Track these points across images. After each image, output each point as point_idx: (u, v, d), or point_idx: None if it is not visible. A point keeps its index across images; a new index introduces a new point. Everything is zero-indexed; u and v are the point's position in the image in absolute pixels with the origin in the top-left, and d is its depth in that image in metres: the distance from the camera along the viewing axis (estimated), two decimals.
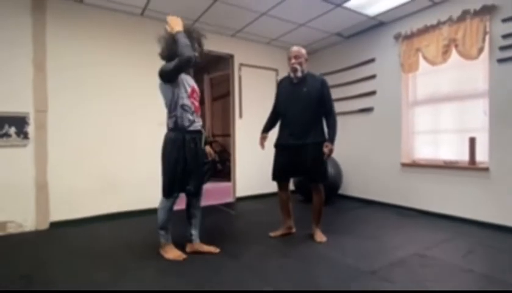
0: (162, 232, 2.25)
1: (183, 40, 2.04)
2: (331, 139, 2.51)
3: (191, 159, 2.17)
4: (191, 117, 2.18)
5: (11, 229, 2.90)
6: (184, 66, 2.06)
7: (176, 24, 2.11)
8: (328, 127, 2.55)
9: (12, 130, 2.92)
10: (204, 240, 2.44)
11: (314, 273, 1.99)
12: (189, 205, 2.35)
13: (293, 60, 2.55)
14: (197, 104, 2.28)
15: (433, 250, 2.37)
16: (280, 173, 2.66)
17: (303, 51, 2.58)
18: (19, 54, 2.95)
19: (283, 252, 2.35)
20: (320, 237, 2.62)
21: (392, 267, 2.07)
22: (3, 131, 2.88)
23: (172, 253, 2.23)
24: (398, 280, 1.88)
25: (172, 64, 2.05)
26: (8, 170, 2.90)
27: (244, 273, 1.99)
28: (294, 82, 2.59)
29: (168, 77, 2.12)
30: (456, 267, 2.06)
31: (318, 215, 2.66)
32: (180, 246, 2.32)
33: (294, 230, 2.81)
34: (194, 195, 2.29)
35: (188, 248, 2.33)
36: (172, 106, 2.16)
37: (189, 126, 2.17)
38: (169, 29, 2.14)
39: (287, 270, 2.05)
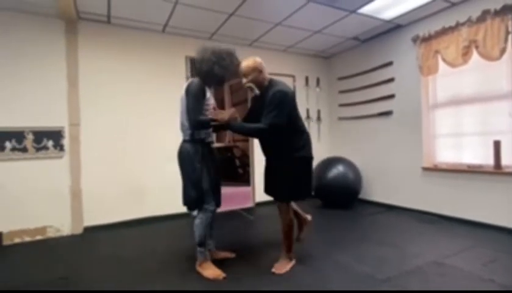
0: (201, 249, 2.18)
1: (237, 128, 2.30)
2: (237, 125, 2.22)
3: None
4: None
5: (50, 233, 3.19)
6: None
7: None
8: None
9: (50, 143, 3.21)
10: (221, 245, 2.59)
11: (325, 279, 2.04)
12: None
13: (243, 79, 2.23)
14: None
15: (452, 258, 2.33)
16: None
17: (251, 64, 2.18)
18: (54, 72, 3.26)
19: (297, 257, 2.39)
20: (277, 267, 2.18)
21: (408, 275, 2.07)
22: (42, 144, 3.18)
23: (212, 271, 2.13)
24: (411, 289, 1.88)
25: (201, 121, 2.12)
26: (47, 180, 3.20)
27: (259, 279, 2.08)
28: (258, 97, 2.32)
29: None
30: (475, 277, 2.02)
31: (283, 239, 2.29)
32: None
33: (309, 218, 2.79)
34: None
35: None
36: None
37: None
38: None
39: (298, 275, 2.11)
